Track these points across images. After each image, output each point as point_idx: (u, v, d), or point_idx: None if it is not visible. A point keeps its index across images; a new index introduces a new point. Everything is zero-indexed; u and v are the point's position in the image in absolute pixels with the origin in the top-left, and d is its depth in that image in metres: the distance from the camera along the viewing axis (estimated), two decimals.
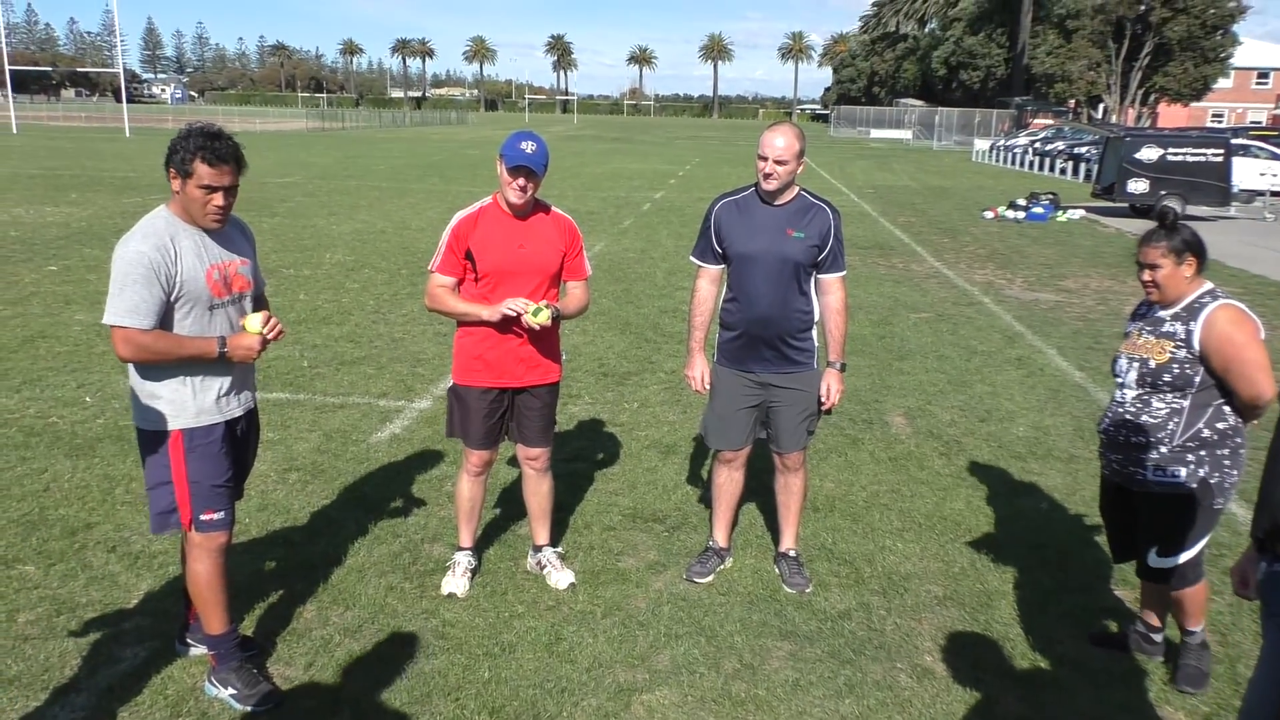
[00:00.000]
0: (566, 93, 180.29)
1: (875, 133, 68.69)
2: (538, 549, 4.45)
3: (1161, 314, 3.56)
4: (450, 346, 4.23)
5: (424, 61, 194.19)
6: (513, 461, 5.52)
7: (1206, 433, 3.47)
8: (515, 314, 3.82)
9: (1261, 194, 24.01)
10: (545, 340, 4.09)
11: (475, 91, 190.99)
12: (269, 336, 3.23)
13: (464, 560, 4.34)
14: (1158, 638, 3.90)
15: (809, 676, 3.71)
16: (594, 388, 7.32)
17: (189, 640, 3.69)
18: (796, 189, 4.13)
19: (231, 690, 3.39)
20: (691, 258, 4.35)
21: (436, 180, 25.00)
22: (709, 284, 4.31)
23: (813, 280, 4.17)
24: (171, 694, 3.46)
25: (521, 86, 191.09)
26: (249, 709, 3.35)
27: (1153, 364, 3.50)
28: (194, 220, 3.18)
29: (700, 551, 4.61)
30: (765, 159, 3.97)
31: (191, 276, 3.13)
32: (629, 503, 5.27)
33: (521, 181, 3.82)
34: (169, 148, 3.13)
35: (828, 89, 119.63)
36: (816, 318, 4.23)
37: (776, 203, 4.10)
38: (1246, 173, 23.97)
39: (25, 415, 6.23)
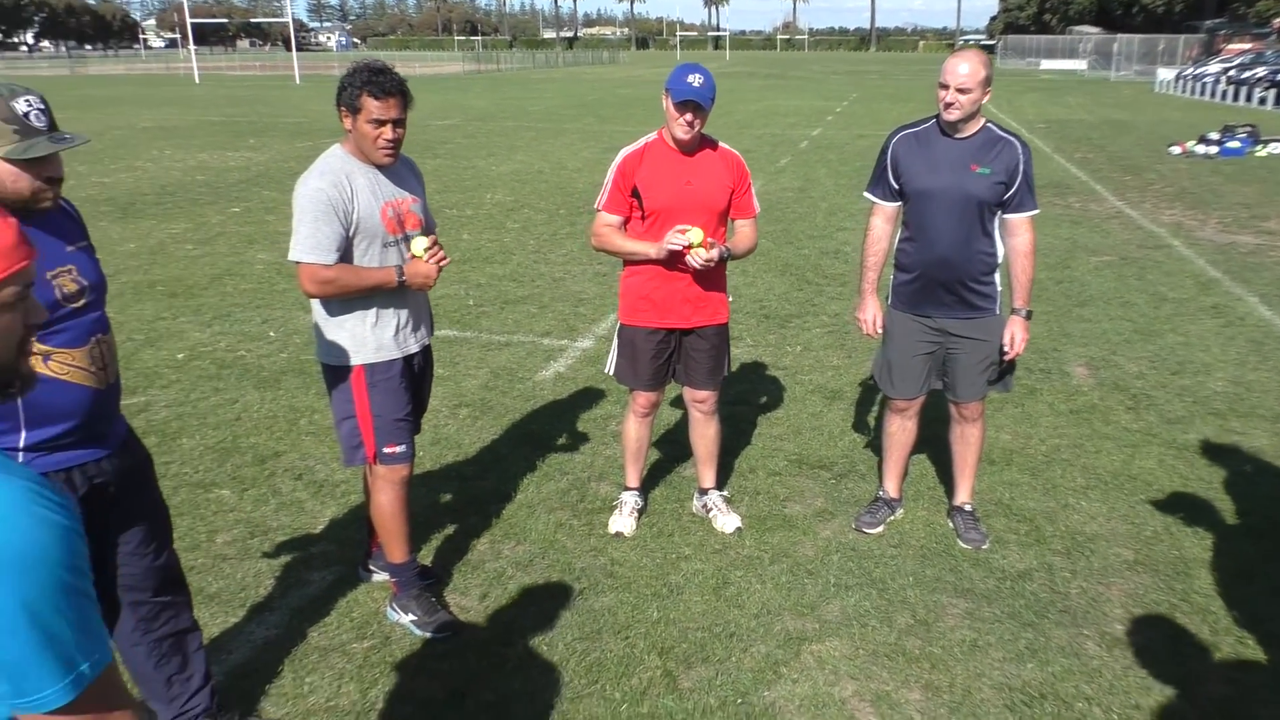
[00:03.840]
0: (718, 29, 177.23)
1: (1046, 63, 64.64)
2: (704, 492, 4.42)
3: None
4: (610, 287, 4.19)
5: (575, 1, 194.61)
6: (675, 403, 5.50)
7: None
8: (680, 247, 3.73)
9: None
10: (712, 280, 4.00)
11: (626, 30, 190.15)
12: (432, 260, 3.26)
13: (631, 500, 4.35)
14: None
15: (987, 637, 3.56)
16: (755, 330, 7.20)
17: (371, 567, 3.84)
18: (982, 121, 3.86)
19: (411, 616, 3.51)
20: (865, 194, 4.15)
21: (591, 120, 25.07)
22: (884, 223, 4.10)
23: (997, 220, 3.92)
24: (356, 617, 3.61)
25: (672, 24, 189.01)
26: (428, 635, 3.47)
27: None
28: (367, 157, 3.23)
29: (869, 501, 4.48)
30: (947, 87, 3.71)
31: (367, 213, 3.19)
32: (794, 448, 5.17)
33: (689, 116, 3.71)
34: (339, 87, 3.19)
35: (994, 17, 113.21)
36: (1000, 260, 3.98)
37: (959, 135, 3.84)
38: None
39: (217, 348, 6.61)
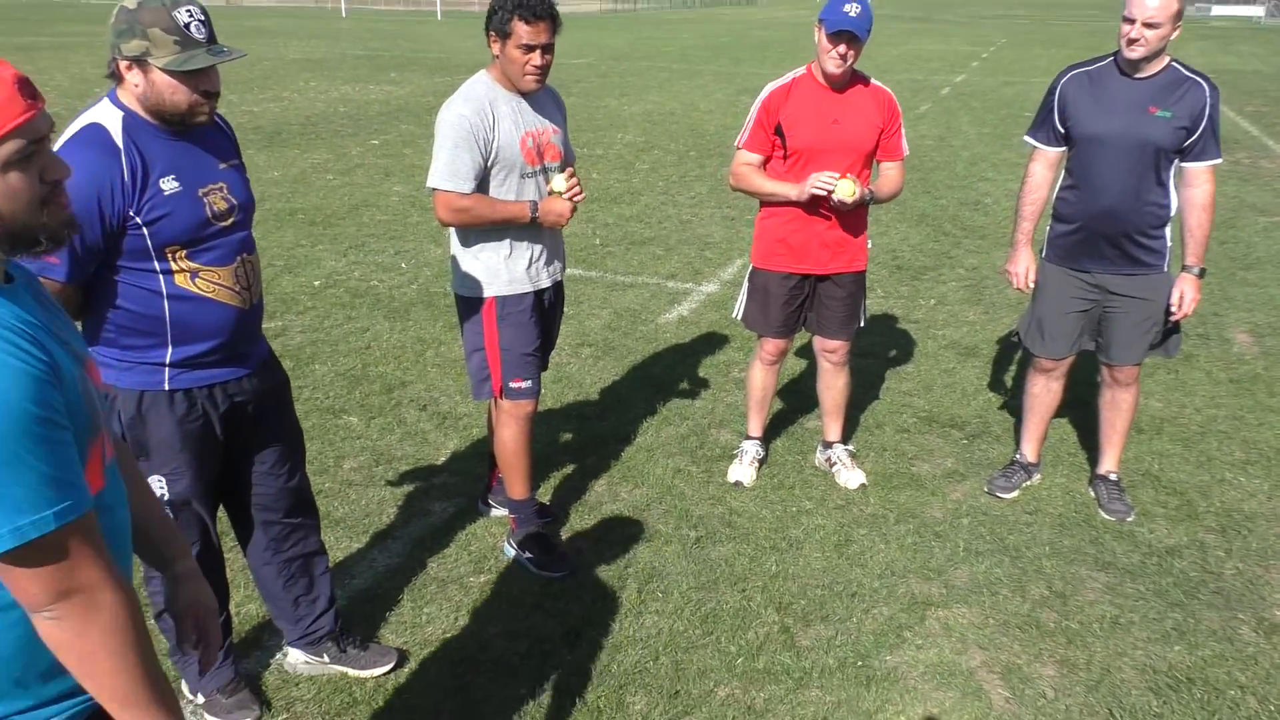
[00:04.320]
0: None
1: (1218, 9, 60.04)
2: (828, 445, 4.27)
3: None
4: (738, 231, 4.05)
5: None
6: (800, 353, 5.34)
7: None
8: (824, 192, 3.55)
9: None
10: (853, 225, 3.81)
11: None
12: (569, 197, 3.19)
13: (752, 449, 4.24)
14: None
15: (1130, 615, 3.33)
16: (887, 281, 6.93)
17: (491, 502, 3.86)
18: (1167, 59, 3.52)
19: (529, 554, 3.51)
20: (1026, 137, 3.86)
21: (726, 61, 24.57)
22: (1045, 169, 3.81)
23: (1173, 169, 3.59)
24: (475, 550, 3.64)
25: None
26: (544, 574, 3.46)
27: None
28: (513, 84, 3.15)
29: (1005, 465, 4.25)
30: (1132, 21, 3.38)
31: (507, 142, 3.13)
32: (924, 405, 4.95)
33: (843, 49, 3.50)
34: (488, 11, 3.12)
35: None
36: (1173, 213, 3.65)
37: (1139, 75, 3.52)
38: None
39: (351, 278, 6.75)
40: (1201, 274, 3.65)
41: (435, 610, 3.29)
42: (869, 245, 3.99)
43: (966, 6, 64.51)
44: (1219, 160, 3.59)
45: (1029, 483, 4.16)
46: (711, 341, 5.75)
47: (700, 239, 7.91)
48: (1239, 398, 5.09)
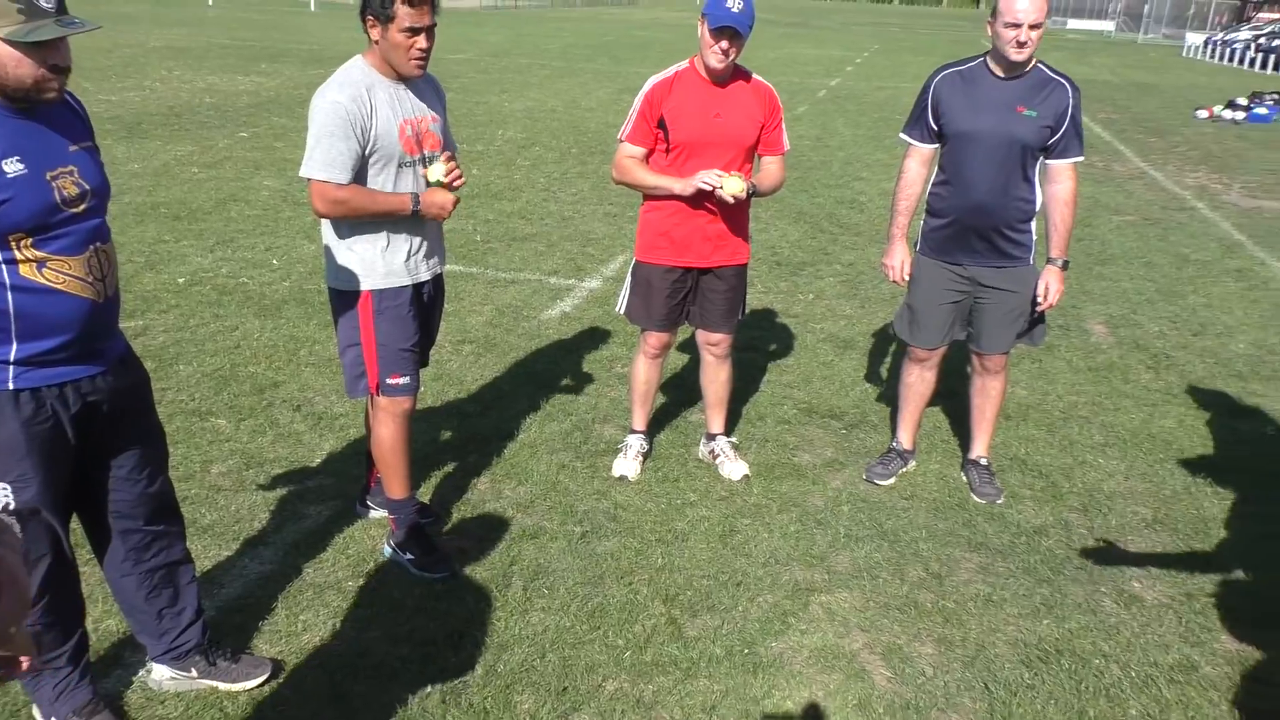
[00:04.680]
0: None
1: (1072, 22, 63.20)
2: (711, 437, 4.30)
3: None
4: (620, 227, 4.04)
5: None
6: (683, 347, 5.36)
7: None
8: (710, 187, 3.56)
9: None
10: (735, 218, 3.84)
11: None
12: (449, 182, 3.11)
13: (636, 443, 4.23)
14: None
15: (1001, 592, 3.46)
16: (767, 276, 7.04)
17: (369, 503, 3.74)
18: (1035, 61, 3.66)
19: (409, 555, 3.41)
20: (901, 135, 3.96)
21: (607, 60, 24.58)
22: (919, 165, 3.92)
23: (1038, 166, 3.74)
24: (353, 554, 3.51)
25: None
26: (425, 575, 3.37)
27: None
28: (395, 70, 3.05)
29: (882, 452, 4.36)
30: (1018, 25, 3.48)
31: (385, 130, 3.02)
32: (804, 396, 5.04)
33: (725, 44, 3.51)
34: None
35: None
36: (1038, 208, 3.80)
37: (1009, 76, 3.65)
38: None
39: (218, 275, 6.46)
40: (1065, 266, 3.81)
41: (312, 617, 3.16)
42: (750, 240, 4.02)
43: (841, 14, 66.35)
44: (1081, 158, 3.75)
45: (905, 469, 4.28)
46: (594, 337, 5.73)
47: (582, 235, 7.87)
48: (1097, 385, 5.35)
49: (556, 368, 5.26)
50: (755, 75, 3.79)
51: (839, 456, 4.42)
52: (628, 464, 4.15)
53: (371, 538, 3.60)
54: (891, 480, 4.19)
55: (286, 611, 3.18)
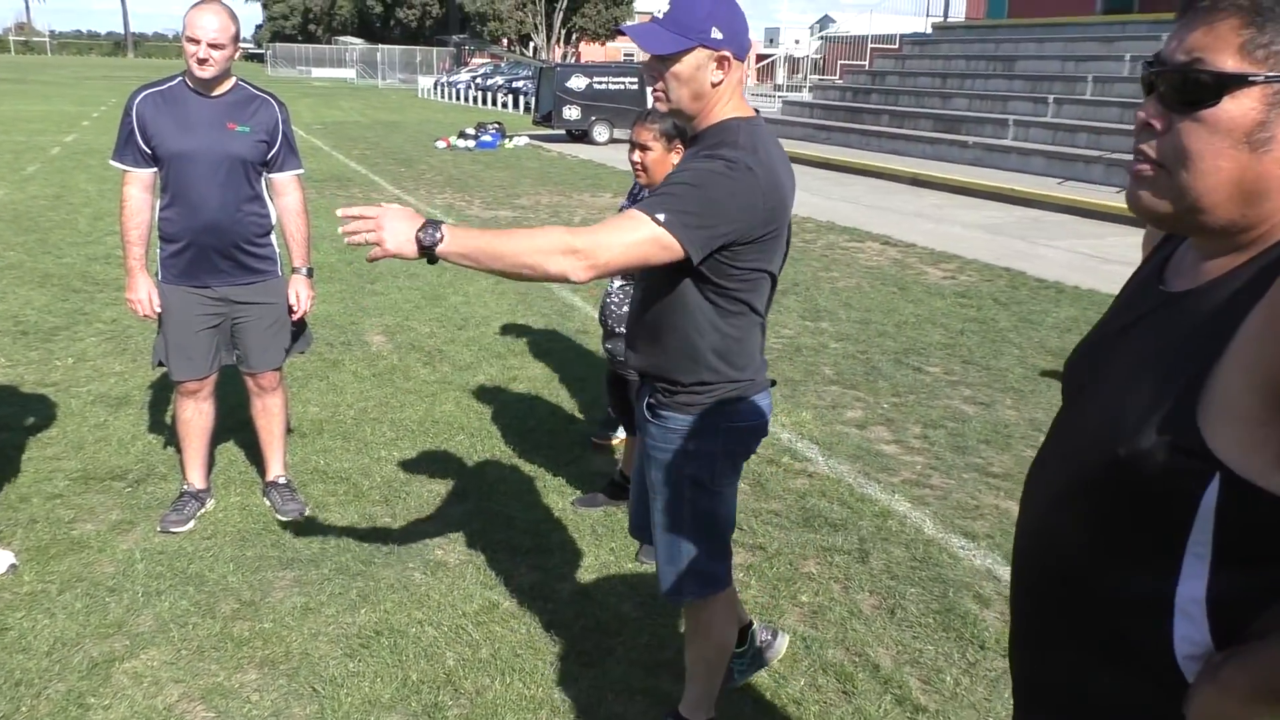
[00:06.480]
0: None
1: (317, 72, 66.17)
2: None
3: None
4: None
5: None
6: None
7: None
8: None
9: None
10: None
11: None
12: None
13: None
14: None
15: (319, 598, 3.47)
16: (11, 348, 6.14)
17: None
18: (234, 79, 3.70)
19: None
20: (112, 161, 3.73)
21: None
22: (141, 191, 3.73)
23: (264, 180, 3.81)
24: None
25: None
26: None
27: None
28: None
29: (174, 499, 4.09)
30: (197, 42, 3.47)
31: None
32: (77, 465, 4.50)
33: None
34: None
35: (259, 26, 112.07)
36: (275, 222, 3.88)
37: (213, 94, 3.64)
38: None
39: None
40: (310, 273, 3.94)
41: None
42: None
43: (70, 69, 60.59)
44: (301, 170, 3.90)
45: (204, 510, 4.06)
46: None
47: None
48: (383, 388, 5.67)
49: None
50: None
51: (128, 516, 4.04)
52: None
53: None
54: (190, 525, 3.95)
55: None
